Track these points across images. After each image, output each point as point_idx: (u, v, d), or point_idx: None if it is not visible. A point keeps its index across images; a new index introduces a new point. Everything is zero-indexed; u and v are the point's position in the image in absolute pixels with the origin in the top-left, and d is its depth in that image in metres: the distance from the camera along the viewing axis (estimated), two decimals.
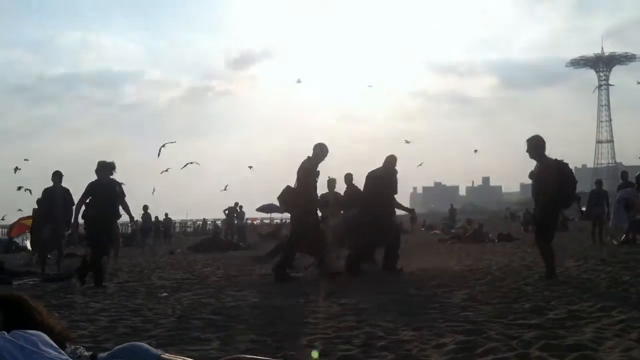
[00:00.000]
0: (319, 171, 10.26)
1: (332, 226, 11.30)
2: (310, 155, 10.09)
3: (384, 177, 10.73)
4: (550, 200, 8.56)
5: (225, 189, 38.21)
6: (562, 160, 8.78)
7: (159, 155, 23.77)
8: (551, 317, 5.60)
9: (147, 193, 32.22)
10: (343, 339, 4.99)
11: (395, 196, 11.00)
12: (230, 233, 31.57)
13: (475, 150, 57.73)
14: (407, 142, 37.52)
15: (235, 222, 31.34)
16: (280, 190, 10.42)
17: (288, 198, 10.28)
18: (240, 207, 31.91)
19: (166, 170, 32.31)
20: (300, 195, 9.97)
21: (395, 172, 10.93)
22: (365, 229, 10.54)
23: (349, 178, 14.23)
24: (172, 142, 24.60)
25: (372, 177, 10.84)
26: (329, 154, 10.22)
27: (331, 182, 13.56)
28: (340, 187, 13.38)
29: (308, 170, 10.02)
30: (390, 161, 10.92)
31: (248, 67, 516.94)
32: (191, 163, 29.71)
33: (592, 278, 8.63)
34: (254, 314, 6.50)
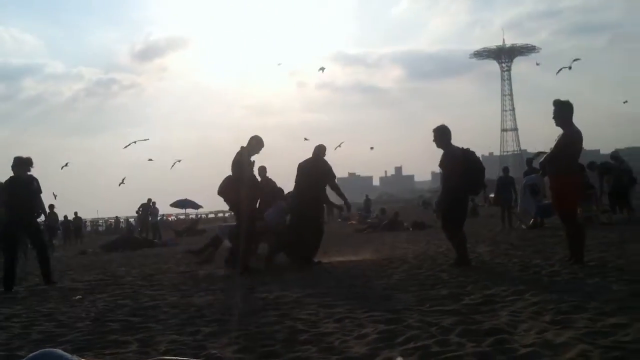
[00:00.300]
0: (254, 161, 10.28)
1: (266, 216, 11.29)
2: (244, 145, 10.09)
3: (314, 167, 10.81)
4: (456, 188, 8.76)
5: (122, 183, 37.17)
6: (469, 149, 9.01)
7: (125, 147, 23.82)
8: (467, 302, 5.75)
9: (54, 191, 31.15)
10: (265, 334, 4.96)
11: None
12: (144, 230, 30.91)
13: (372, 147, 57.87)
14: (306, 139, 37.77)
15: (150, 219, 30.69)
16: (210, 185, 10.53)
17: (227, 190, 10.23)
18: (154, 203, 31.28)
19: (66, 165, 31.43)
20: (237, 187, 9.95)
21: (325, 161, 11.01)
22: (296, 221, 10.72)
23: (262, 171, 14.19)
24: (145, 140, 24.17)
25: (302, 167, 10.93)
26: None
27: (262, 170, 13.49)
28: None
29: (241, 163, 9.98)
30: (319, 151, 11.02)
31: (156, 58, 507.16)
32: (140, 141, 29.63)
33: (504, 262, 8.92)
34: (173, 313, 6.35)
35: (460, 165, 8.63)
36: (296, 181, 11.03)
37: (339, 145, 35.29)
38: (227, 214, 69.47)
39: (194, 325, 5.56)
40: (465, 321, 4.83)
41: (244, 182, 9.91)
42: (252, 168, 10.29)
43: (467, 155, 8.86)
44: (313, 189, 10.74)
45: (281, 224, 11.18)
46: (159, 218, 33.76)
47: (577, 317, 4.70)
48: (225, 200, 10.45)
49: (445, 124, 9.04)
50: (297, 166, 11.03)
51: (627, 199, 17.05)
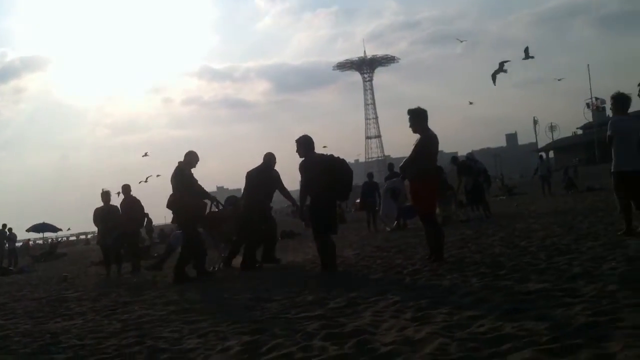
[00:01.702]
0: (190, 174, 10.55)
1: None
2: (182, 161, 10.42)
3: (262, 175, 11.07)
4: (316, 195, 8.80)
5: None
6: (338, 157, 9.09)
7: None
8: (332, 306, 5.76)
9: None
10: (124, 357, 4.71)
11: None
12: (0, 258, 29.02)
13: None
14: (145, 154, 37.36)
15: (7, 245, 28.84)
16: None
17: (174, 206, 10.50)
18: (10, 229, 29.47)
19: None
20: (180, 201, 10.28)
21: (274, 170, 11.37)
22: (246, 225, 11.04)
23: (126, 189, 13.89)
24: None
25: (250, 175, 11.18)
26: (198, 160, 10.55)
27: (105, 195, 13.44)
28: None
29: (182, 176, 10.23)
30: (268, 159, 11.24)
31: (12, 80, 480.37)
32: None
33: (369, 264, 9.07)
34: (25, 342, 5.92)
35: (320, 173, 8.67)
36: (246, 189, 11.29)
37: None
38: (89, 235, 66.77)
39: (47, 353, 5.22)
40: (329, 325, 4.83)
41: (189, 193, 10.28)
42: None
43: (332, 163, 8.91)
44: (261, 195, 11.07)
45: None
46: (18, 244, 31.80)
47: (436, 312, 4.82)
48: (173, 213, 10.69)
49: (308, 135, 9.08)
50: (245, 175, 11.30)
51: (483, 196, 17.98)
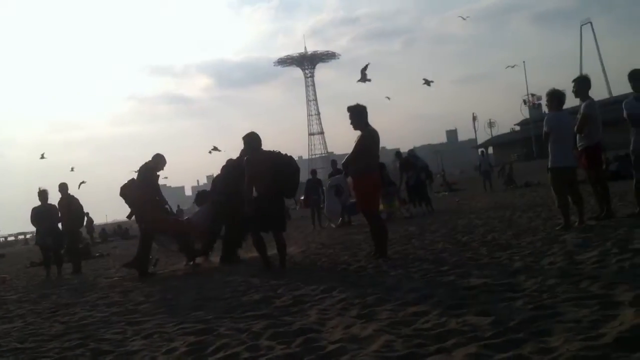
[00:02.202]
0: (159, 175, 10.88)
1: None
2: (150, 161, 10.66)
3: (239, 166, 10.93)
4: (265, 192, 8.74)
5: None
6: (285, 154, 9.07)
7: None
8: (278, 305, 5.76)
9: None
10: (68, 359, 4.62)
11: None
12: None
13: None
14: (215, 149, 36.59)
15: None
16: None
17: (128, 192, 10.64)
18: None
19: None
20: (142, 190, 10.51)
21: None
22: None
23: (63, 187, 13.66)
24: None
25: (232, 164, 11.23)
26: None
27: (42, 194, 13.23)
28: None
29: (148, 171, 10.52)
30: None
31: None
32: None
33: (315, 262, 9.11)
34: None
35: (266, 169, 8.61)
36: (228, 177, 11.17)
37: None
38: (28, 235, 64.85)
39: None
40: (276, 324, 4.82)
41: (153, 197, 10.55)
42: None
43: (278, 159, 8.87)
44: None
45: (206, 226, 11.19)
46: None
47: (381, 309, 4.86)
48: (126, 202, 10.71)
49: (255, 132, 9.01)
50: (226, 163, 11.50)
51: (425, 192, 18.25)
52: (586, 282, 4.88)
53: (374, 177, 8.45)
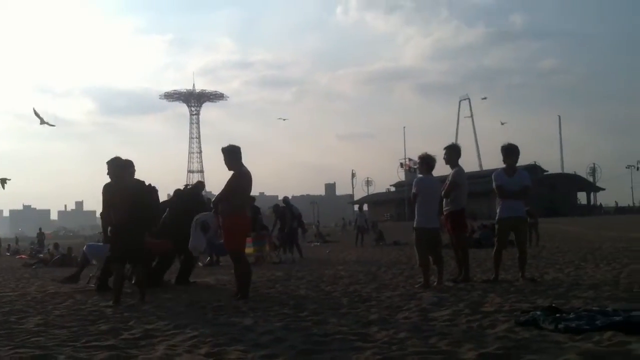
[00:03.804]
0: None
1: None
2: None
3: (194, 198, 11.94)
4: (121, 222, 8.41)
5: None
6: (149, 184, 8.84)
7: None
8: (126, 337, 5.52)
9: None
10: None
11: None
12: None
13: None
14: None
15: None
16: None
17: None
18: None
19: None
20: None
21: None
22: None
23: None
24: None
25: (181, 195, 12.01)
26: None
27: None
28: None
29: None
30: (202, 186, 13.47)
31: None
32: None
33: (174, 298, 8.82)
34: None
35: (122, 198, 8.28)
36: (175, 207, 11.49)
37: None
38: None
39: None
40: (120, 356, 4.61)
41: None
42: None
43: (137, 189, 8.55)
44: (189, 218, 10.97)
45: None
46: None
47: (232, 349, 4.76)
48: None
49: (121, 157, 8.69)
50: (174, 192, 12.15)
51: (296, 240, 18.36)
52: (435, 338, 5.01)
53: (242, 218, 8.38)
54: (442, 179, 9.99)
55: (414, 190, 9.24)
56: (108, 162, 8.60)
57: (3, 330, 6.15)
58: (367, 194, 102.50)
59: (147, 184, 8.78)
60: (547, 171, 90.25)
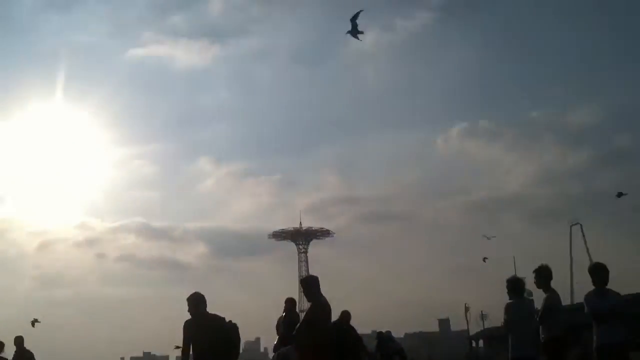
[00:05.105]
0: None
1: None
2: None
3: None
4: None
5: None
6: (230, 321, 8.75)
7: None
8: None
9: None
10: None
11: None
12: None
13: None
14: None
15: None
16: None
17: None
18: None
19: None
20: None
21: None
22: None
23: (19, 340, 13.57)
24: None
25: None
26: None
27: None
28: None
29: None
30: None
31: None
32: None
33: None
34: None
35: (202, 333, 8.28)
36: None
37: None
38: None
39: None
40: None
41: None
42: None
43: (217, 324, 8.50)
44: None
45: None
46: None
47: None
48: None
49: (199, 292, 8.73)
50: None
51: None
52: None
53: (322, 350, 8.21)
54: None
55: (505, 317, 8.79)
56: (188, 299, 8.66)
57: None
58: (482, 329, 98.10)
59: (227, 320, 8.74)
60: None
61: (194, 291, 8.70)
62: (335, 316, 12.18)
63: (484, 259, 48.49)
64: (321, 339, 8.24)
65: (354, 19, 20.32)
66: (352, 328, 12.77)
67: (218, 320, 8.53)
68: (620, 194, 31.09)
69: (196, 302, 8.54)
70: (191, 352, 8.40)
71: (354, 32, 20.69)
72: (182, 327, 8.45)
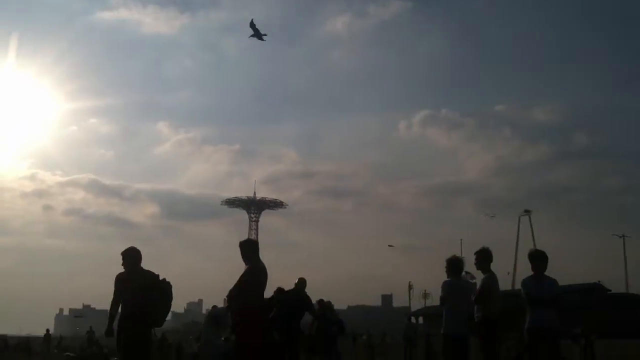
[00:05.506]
0: None
1: None
2: None
3: None
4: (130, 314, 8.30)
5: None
6: (164, 279, 8.64)
7: None
8: None
9: None
10: None
11: None
12: None
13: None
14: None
15: None
16: None
17: None
18: None
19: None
20: None
21: None
22: None
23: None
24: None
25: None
26: None
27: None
28: None
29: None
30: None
31: None
32: None
33: None
34: None
35: (133, 289, 8.21)
36: None
37: None
38: None
39: None
40: None
41: None
42: None
43: (152, 282, 8.44)
44: None
45: None
46: None
47: None
48: None
49: (135, 247, 8.66)
50: None
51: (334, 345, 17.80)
52: None
53: (255, 314, 8.13)
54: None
55: (441, 294, 8.86)
56: (122, 253, 8.51)
57: None
58: (424, 307, 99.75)
59: (161, 278, 8.55)
60: (610, 290, 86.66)
61: (130, 246, 8.57)
62: (291, 284, 12.34)
63: (390, 245, 48.82)
64: (253, 302, 8.14)
65: (252, 25, 21.73)
66: (307, 296, 12.74)
67: (151, 276, 8.39)
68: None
69: (130, 257, 8.43)
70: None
71: (258, 35, 21.93)
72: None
